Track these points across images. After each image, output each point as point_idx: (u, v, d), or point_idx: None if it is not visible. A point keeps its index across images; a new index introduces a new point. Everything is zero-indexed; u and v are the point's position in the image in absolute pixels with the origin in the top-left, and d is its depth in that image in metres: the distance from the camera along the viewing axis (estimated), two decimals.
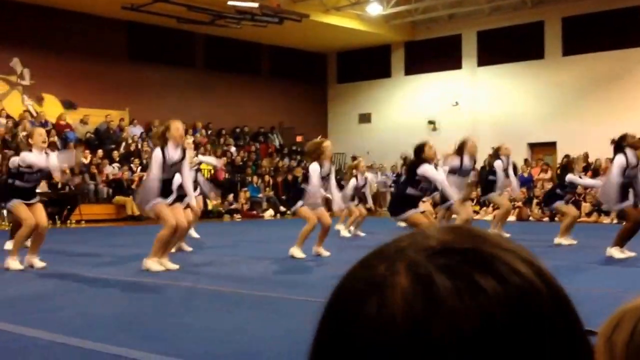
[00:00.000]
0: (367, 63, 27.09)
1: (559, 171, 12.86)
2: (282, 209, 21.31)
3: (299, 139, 25.55)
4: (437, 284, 0.49)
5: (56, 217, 17.12)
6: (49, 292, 6.55)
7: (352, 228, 13.33)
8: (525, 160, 22.26)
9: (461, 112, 24.73)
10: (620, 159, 8.76)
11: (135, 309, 5.66)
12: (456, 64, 25.23)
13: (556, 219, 16.56)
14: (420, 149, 8.57)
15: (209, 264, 8.77)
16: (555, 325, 0.50)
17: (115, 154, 19.92)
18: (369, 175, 14.37)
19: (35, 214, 8.25)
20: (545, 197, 12.32)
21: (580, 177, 11.37)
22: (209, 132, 23.82)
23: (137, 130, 21.88)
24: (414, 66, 26.10)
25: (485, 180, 12.36)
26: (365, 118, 27.13)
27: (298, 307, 5.58)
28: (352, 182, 13.25)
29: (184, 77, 23.77)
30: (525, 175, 20.76)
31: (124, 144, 20.65)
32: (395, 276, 0.50)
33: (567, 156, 13.68)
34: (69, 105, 21.10)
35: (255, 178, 22.06)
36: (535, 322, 0.49)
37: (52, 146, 18.76)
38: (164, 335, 4.55)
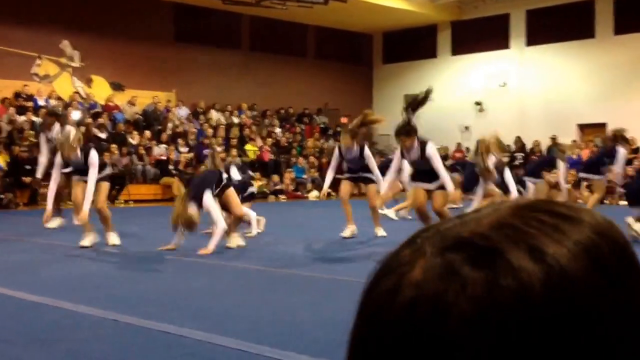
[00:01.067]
0: (413, 43, 26.80)
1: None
2: None
3: (344, 120, 25.50)
4: (464, 272, 0.46)
5: None
6: (98, 270, 6.70)
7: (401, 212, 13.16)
8: (574, 142, 21.85)
9: (509, 93, 24.36)
10: None
11: (183, 287, 5.75)
12: (504, 44, 24.82)
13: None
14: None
15: (256, 245, 8.84)
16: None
17: (164, 136, 20.17)
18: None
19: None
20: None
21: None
22: (254, 113, 23.92)
23: (184, 111, 22.10)
24: (461, 46, 25.74)
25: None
26: None
27: (343, 287, 5.60)
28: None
29: (229, 59, 23.87)
30: (574, 157, 20.38)
31: (170, 125, 20.89)
32: (418, 257, 0.48)
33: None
34: (117, 86, 21.40)
35: (300, 159, 22.12)
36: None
37: (101, 127, 19.12)
38: (210, 314, 4.62)
